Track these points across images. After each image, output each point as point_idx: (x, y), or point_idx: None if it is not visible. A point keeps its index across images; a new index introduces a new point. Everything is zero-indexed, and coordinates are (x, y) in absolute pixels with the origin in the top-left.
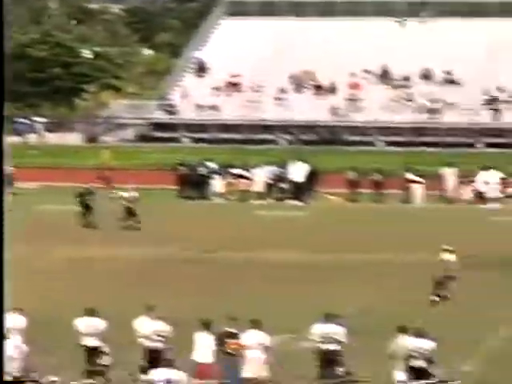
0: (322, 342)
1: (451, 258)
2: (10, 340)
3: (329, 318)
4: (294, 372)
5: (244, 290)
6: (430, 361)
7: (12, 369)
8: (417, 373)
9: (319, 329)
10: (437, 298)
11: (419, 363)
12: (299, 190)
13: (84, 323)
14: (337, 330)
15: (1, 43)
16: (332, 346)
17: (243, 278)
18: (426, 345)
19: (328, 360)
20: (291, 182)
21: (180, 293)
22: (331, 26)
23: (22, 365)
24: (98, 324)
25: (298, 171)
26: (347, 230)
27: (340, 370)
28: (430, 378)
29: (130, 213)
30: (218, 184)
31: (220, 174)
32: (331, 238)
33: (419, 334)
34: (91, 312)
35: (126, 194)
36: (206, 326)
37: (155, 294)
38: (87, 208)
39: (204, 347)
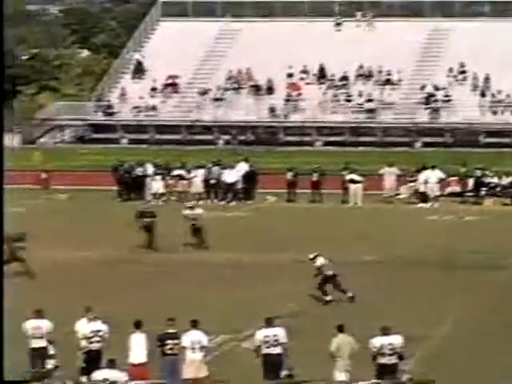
0: (266, 347)
1: (324, 261)
2: None
3: (269, 321)
4: (233, 372)
5: (184, 290)
6: (400, 357)
7: None
8: (387, 370)
9: (261, 333)
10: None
11: (390, 360)
12: (236, 191)
13: (31, 325)
14: (278, 333)
15: (1, 43)
16: (275, 350)
17: (183, 278)
18: (396, 341)
19: (272, 363)
20: (227, 183)
21: (117, 293)
22: (269, 27)
23: None
24: (45, 326)
25: (235, 172)
26: (284, 231)
27: (284, 372)
28: (399, 373)
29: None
30: (156, 185)
31: (159, 175)
32: (268, 238)
33: (386, 332)
34: (39, 314)
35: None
36: (138, 326)
37: (90, 296)
38: (148, 229)
39: (137, 348)
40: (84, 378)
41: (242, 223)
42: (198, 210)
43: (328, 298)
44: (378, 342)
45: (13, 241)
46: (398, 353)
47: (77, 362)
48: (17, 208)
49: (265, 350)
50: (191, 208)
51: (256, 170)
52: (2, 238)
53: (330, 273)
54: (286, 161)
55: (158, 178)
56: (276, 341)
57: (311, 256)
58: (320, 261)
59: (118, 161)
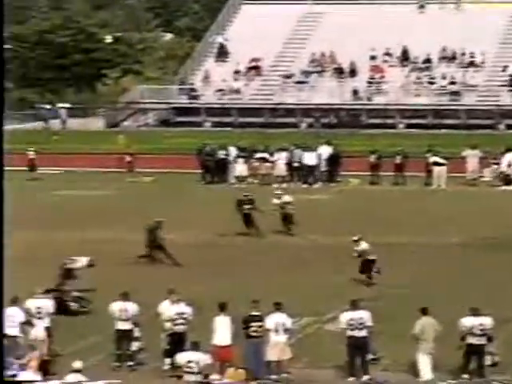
0: (351, 329)
1: (367, 246)
2: (40, 323)
3: (355, 304)
4: (316, 355)
5: (268, 273)
6: (489, 338)
7: (41, 351)
8: (475, 350)
9: (347, 316)
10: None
11: (479, 340)
12: (318, 174)
13: (117, 307)
14: (364, 316)
15: (1, 43)
16: (361, 333)
17: (267, 261)
18: (486, 322)
19: (357, 346)
20: (308, 165)
21: (201, 276)
22: (352, 9)
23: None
24: (131, 308)
25: (316, 155)
26: (367, 213)
27: (369, 356)
28: (487, 354)
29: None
30: (240, 168)
31: (242, 158)
32: (351, 220)
33: (476, 313)
34: (125, 296)
35: (277, 201)
36: (223, 308)
37: (176, 278)
38: (247, 217)
39: (222, 330)
40: (168, 360)
41: (326, 206)
42: (287, 198)
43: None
44: (468, 321)
45: (153, 230)
46: (487, 334)
47: (161, 344)
48: (102, 191)
49: (349, 333)
50: (279, 196)
51: (339, 152)
52: (1, 235)
53: (372, 257)
54: (368, 143)
55: (241, 160)
56: (361, 324)
57: (355, 238)
58: (363, 245)
59: (202, 144)
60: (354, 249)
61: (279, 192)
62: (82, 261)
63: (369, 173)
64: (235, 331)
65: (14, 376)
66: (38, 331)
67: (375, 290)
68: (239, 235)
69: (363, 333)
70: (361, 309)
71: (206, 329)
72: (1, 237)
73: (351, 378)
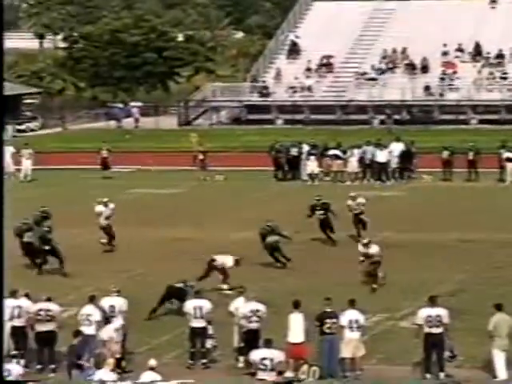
0: (429, 326)
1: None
2: (113, 321)
3: (433, 300)
4: (390, 351)
5: (340, 270)
6: None
7: (115, 349)
8: None
9: (424, 312)
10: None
11: None
12: (390, 171)
13: (192, 305)
14: (441, 313)
15: (1, 42)
16: (438, 330)
17: (339, 258)
18: None
19: (433, 343)
20: (379, 162)
21: (275, 273)
22: (423, 5)
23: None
24: (205, 306)
25: (387, 151)
26: (441, 210)
27: (446, 353)
28: None
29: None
30: (311, 165)
31: (314, 155)
32: (424, 217)
33: None
34: (199, 294)
35: (351, 202)
36: (297, 305)
37: (248, 276)
38: (322, 223)
39: (296, 327)
40: (241, 358)
41: (398, 202)
42: (360, 200)
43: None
44: None
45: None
46: None
47: (233, 341)
48: (175, 189)
49: (427, 330)
50: (353, 198)
51: (411, 148)
52: (1, 235)
53: (378, 259)
54: (441, 139)
55: (313, 158)
56: (439, 321)
57: (365, 241)
58: (374, 248)
59: (274, 141)
60: (362, 252)
61: (353, 194)
62: (228, 260)
63: (441, 169)
64: (309, 328)
65: (91, 375)
66: (112, 330)
67: (449, 286)
68: (313, 232)
69: (440, 330)
70: (438, 306)
71: (280, 326)
72: (1, 237)
73: (427, 375)
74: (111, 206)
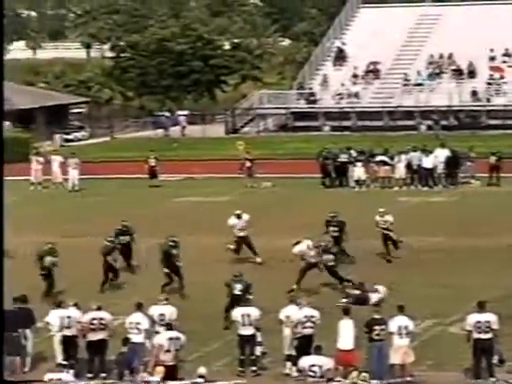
0: (478, 332)
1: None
2: (163, 329)
3: (482, 306)
4: (440, 357)
5: (388, 275)
6: None
7: (165, 357)
8: None
9: (473, 318)
10: None
11: None
12: (436, 176)
13: (240, 312)
14: (491, 319)
15: (1, 42)
16: (487, 335)
17: (385, 263)
18: None
19: (482, 349)
20: (425, 168)
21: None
22: (469, 11)
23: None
24: (253, 313)
25: (433, 157)
26: (489, 215)
27: (495, 358)
28: None
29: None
30: (358, 172)
31: (361, 162)
32: (472, 222)
33: None
34: (247, 301)
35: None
36: (347, 312)
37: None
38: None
39: (346, 334)
40: (288, 364)
41: (446, 208)
42: (388, 217)
43: None
44: None
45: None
46: None
47: (284, 348)
48: (222, 197)
49: (476, 335)
50: (382, 214)
51: (458, 154)
52: (2, 236)
53: (313, 261)
54: (488, 145)
55: (360, 164)
56: (488, 327)
57: (381, 210)
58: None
59: (323, 148)
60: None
61: (383, 210)
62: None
63: (488, 174)
64: (358, 335)
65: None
66: (161, 338)
67: (501, 290)
68: (362, 238)
69: (489, 335)
70: (487, 311)
71: (331, 332)
72: (1, 238)
73: (478, 381)
74: (245, 217)
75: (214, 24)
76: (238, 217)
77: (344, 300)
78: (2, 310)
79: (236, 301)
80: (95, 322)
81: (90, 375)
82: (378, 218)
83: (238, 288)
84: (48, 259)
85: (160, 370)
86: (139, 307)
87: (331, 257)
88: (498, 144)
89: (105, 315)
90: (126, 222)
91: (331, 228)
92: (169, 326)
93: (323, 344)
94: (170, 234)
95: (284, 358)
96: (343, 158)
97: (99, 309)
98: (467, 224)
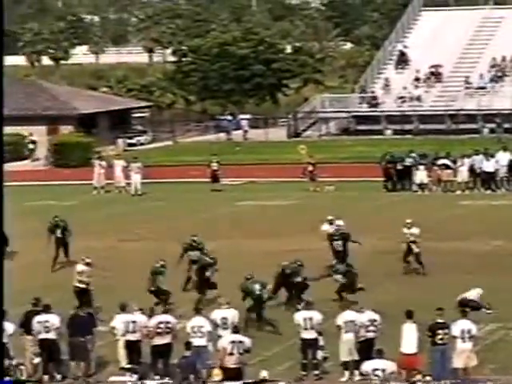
0: None
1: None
2: (225, 333)
3: None
4: (504, 361)
5: (452, 279)
6: None
7: (227, 361)
8: None
9: None
10: None
11: None
12: (499, 180)
13: (302, 316)
14: None
15: (1, 43)
16: None
17: (450, 267)
18: None
19: None
20: (486, 172)
21: (387, 285)
22: None
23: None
24: (315, 317)
25: (494, 161)
26: None
27: None
28: None
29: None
30: (420, 175)
31: (423, 165)
32: None
33: None
34: (309, 305)
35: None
36: (410, 316)
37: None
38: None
39: (409, 338)
40: (346, 373)
41: (509, 211)
42: (414, 230)
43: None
44: None
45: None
46: None
47: (340, 354)
48: (285, 201)
49: None
50: (409, 226)
51: None
52: (2, 237)
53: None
54: None
55: (422, 167)
56: None
57: (408, 221)
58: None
59: (386, 152)
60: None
61: (409, 221)
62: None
63: None
64: (422, 338)
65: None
66: (224, 341)
67: None
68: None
69: None
70: None
71: (392, 337)
72: (1, 238)
73: None
74: (338, 222)
75: (276, 28)
76: (331, 223)
77: None
78: (2, 309)
79: (259, 300)
80: (162, 325)
81: (156, 378)
82: (404, 230)
83: (257, 288)
84: (160, 278)
85: (217, 372)
86: (198, 311)
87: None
88: None
89: (171, 319)
90: (195, 236)
91: (335, 242)
92: (235, 329)
93: (386, 348)
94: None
95: (341, 365)
96: (407, 161)
97: (166, 312)
98: None
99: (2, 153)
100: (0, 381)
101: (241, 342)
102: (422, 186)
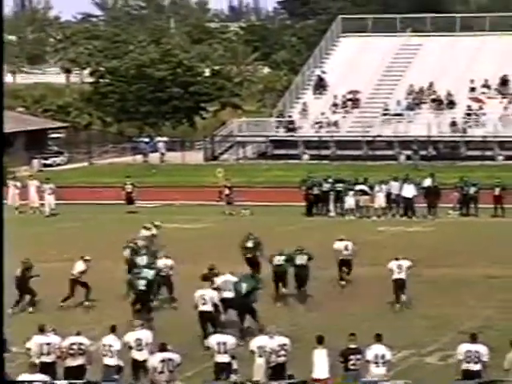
0: (467, 362)
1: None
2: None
3: (474, 337)
4: None
5: (367, 306)
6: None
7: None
8: None
9: (464, 348)
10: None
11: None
12: (416, 206)
13: (215, 340)
14: (481, 350)
15: (1, 45)
16: (475, 366)
17: (367, 293)
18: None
19: (471, 379)
20: (405, 198)
21: (299, 310)
22: (449, 41)
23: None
24: (229, 341)
25: (413, 187)
26: (467, 245)
27: None
28: None
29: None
30: (351, 200)
31: (352, 191)
32: (452, 252)
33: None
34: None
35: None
36: (321, 341)
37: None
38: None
39: (320, 363)
40: None
41: (424, 237)
42: (350, 243)
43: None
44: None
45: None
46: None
47: (254, 377)
48: (201, 224)
49: (465, 366)
50: (341, 240)
51: (438, 185)
52: (1, 240)
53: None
54: (467, 175)
55: (351, 193)
56: (477, 357)
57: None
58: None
59: (307, 176)
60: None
61: (342, 237)
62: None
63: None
64: (333, 364)
65: None
66: (153, 361)
67: (479, 321)
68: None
69: (478, 366)
70: (479, 342)
71: (305, 361)
72: (1, 241)
73: None
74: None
75: (195, 51)
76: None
77: None
78: (1, 309)
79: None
80: (74, 347)
81: None
82: (336, 245)
83: (244, 287)
84: None
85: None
86: (113, 330)
87: None
88: (476, 175)
89: (84, 340)
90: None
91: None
92: (162, 347)
93: (297, 373)
94: None
95: None
96: (327, 187)
97: (78, 334)
98: (446, 254)
99: (2, 153)
100: None
101: (170, 359)
102: (350, 211)
